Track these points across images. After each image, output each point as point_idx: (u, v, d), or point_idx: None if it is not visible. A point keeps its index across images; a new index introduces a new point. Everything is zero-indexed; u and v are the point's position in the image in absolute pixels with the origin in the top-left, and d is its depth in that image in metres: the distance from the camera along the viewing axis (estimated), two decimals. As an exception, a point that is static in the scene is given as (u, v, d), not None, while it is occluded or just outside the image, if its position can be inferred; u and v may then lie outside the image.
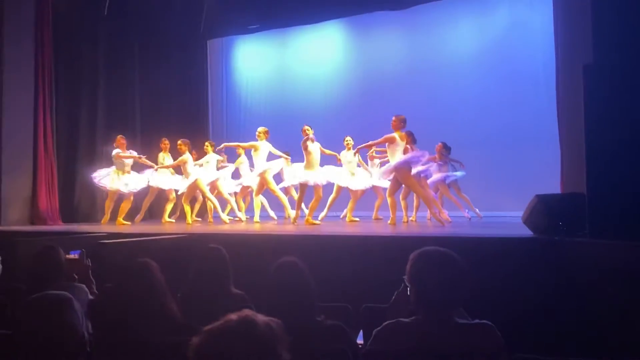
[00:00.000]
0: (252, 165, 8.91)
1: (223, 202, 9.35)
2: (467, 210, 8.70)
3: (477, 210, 8.79)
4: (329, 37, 12.05)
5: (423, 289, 2.03)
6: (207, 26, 11.19)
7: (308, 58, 12.25)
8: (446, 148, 8.84)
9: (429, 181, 8.42)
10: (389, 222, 7.44)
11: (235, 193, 9.73)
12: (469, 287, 2.04)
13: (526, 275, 4.01)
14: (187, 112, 11.50)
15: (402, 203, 8.37)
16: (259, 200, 8.81)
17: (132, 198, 9.01)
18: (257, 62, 12.88)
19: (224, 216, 8.90)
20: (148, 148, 9.74)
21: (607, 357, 2.47)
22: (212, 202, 8.94)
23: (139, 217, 9.51)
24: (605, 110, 4.22)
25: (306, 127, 7.90)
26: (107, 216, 8.96)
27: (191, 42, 11.55)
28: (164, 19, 10.90)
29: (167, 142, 9.34)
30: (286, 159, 8.77)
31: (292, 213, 8.25)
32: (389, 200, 7.45)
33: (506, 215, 8.62)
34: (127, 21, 10.67)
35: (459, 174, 8.69)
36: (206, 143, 9.33)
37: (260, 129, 8.44)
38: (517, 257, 4.21)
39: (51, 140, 9.03)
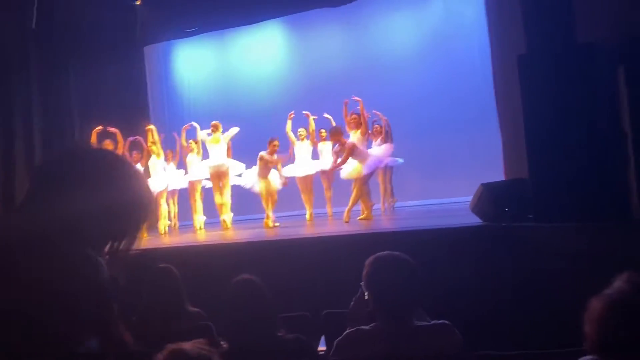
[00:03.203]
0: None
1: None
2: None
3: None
4: (269, 37, 11.97)
5: (380, 294, 2.04)
6: (142, 33, 10.87)
7: (250, 58, 12.14)
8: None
9: None
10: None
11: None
12: (423, 288, 2.07)
13: (480, 263, 4.09)
14: (127, 120, 11.13)
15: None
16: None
17: None
18: (198, 65, 12.64)
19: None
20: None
21: (564, 341, 2.55)
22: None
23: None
24: (541, 97, 4.37)
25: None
26: None
27: (126, 51, 11.18)
28: (96, 29, 10.49)
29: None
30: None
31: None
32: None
33: (453, 202, 8.82)
34: (58, 33, 10.24)
35: None
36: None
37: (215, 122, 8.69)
38: (471, 246, 4.29)
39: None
